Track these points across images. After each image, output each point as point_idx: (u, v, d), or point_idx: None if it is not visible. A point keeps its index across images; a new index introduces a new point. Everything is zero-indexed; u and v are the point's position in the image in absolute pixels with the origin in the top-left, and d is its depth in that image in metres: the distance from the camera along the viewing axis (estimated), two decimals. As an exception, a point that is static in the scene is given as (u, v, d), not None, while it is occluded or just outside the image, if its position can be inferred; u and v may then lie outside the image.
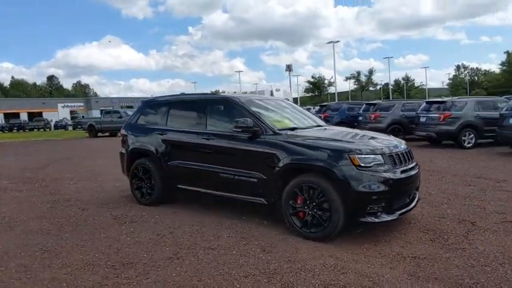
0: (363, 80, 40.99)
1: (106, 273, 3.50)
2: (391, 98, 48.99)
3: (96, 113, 61.99)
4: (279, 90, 74.42)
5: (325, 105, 20.40)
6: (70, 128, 53.51)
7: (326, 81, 45.93)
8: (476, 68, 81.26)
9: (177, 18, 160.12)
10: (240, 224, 4.85)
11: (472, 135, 12.20)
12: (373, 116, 15.48)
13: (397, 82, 78.05)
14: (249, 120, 4.69)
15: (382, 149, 4.21)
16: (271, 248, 4.00)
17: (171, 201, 5.93)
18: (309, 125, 5.35)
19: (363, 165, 3.99)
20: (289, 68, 79.48)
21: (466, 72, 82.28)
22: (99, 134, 27.14)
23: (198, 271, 3.49)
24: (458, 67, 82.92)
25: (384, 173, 4.03)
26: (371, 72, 41.69)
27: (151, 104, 6.32)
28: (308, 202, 4.23)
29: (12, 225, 5.12)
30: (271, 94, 73.67)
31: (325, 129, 5.30)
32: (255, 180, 4.66)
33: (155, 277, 3.39)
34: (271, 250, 3.94)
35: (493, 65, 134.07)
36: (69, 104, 73.10)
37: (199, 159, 5.27)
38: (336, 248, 3.99)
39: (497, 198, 5.80)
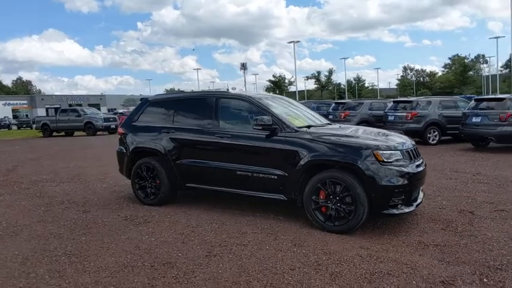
0: (323, 80, 42.36)
1: (149, 273, 3.45)
2: (346, 98, 51.04)
3: (41, 112, 58.46)
4: (235, 88, 74.63)
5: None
6: (14, 127, 50.09)
7: (287, 81, 47.00)
8: (421, 69, 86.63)
9: (125, 14, 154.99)
10: (258, 220, 4.94)
11: (436, 133, 13.10)
12: (343, 114, 16.09)
13: (348, 82, 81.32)
14: (268, 118, 4.79)
15: (399, 145, 4.49)
16: (301, 242, 4.14)
17: (173, 201, 5.86)
18: (319, 123, 5.54)
19: (385, 160, 4.25)
20: (244, 66, 79.76)
21: (412, 73, 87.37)
22: (54, 134, 25.75)
23: (242, 267, 3.54)
24: (405, 68, 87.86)
25: (403, 168, 4.31)
26: (331, 72, 43.25)
27: (154, 102, 6.20)
28: (331, 197, 4.41)
29: (15, 231, 4.83)
30: (227, 92, 73.86)
31: (340, 126, 5.52)
32: (275, 177, 4.77)
33: (203, 275, 3.40)
34: (302, 244, 4.08)
35: (434, 66, 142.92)
36: (11, 102, 68.25)
37: (213, 157, 5.28)
38: (361, 239, 4.20)
39: (481, 190, 6.35)
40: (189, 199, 6.05)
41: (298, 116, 5.57)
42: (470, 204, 5.48)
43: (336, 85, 52.41)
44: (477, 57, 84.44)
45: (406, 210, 4.35)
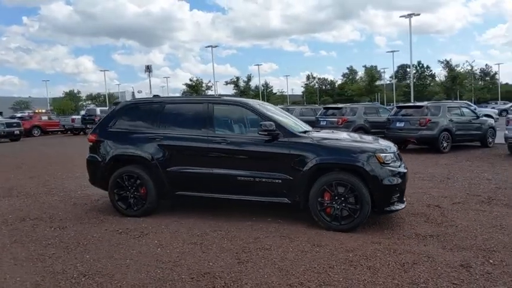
0: (242, 85, 43.11)
1: (195, 285, 3.34)
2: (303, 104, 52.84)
3: None
4: (141, 91, 71.57)
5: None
6: None
7: (204, 85, 46.53)
8: (324, 78, 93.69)
9: (7, 6, 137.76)
10: (261, 225, 5.01)
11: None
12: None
13: (257, 88, 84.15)
14: (271, 123, 4.92)
15: (390, 148, 5.00)
16: (318, 242, 4.35)
17: (154, 211, 5.58)
18: (310, 129, 5.82)
19: (385, 162, 4.71)
20: (148, 68, 76.78)
21: (314, 81, 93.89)
22: None
23: (283, 270, 3.63)
24: (308, 76, 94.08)
25: (397, 168, 4.82)
26: (249, 78, 44.13)
27: (132, 107, 5.84)
28: (336, 198, 4.71)
29: (-10, 255, 4.16)
30: (133, 96, 70.45)
31: (332, 132, 5.86)
32: (279, 181, 4.91)
33: (252, 281, 3.41)
34: (320, 244, 4.30)
35: (330, 75, 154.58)
36: None
37: (209, 164, 5.21)
38: (368, 236, 4.58)
39: (429, 186, 7.30)
40: (165, 209, 5.77)
41: (291, 121, 5.78)
42: (431, 199, 6.28)
43: (255, 91, 54.11)
44: (370, 67, 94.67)
45: (401, 206, 4.87)
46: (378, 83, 52.73)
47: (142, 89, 72.68)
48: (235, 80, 44.10)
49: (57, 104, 58.84)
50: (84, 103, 63.60)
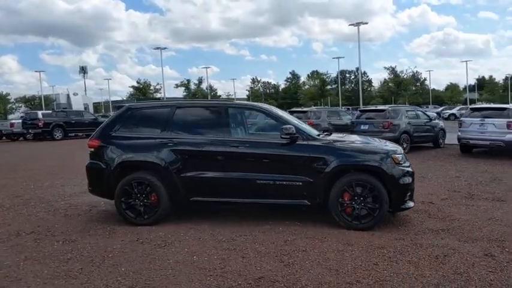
0: (193, 88, 42.11)
1: (258, 290, 3.32)
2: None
3: None
4: (77, 94, 67.64)
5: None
6: None
7: (152, 87, 44.80)
8: (268, 81, 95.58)
9: None
10: (281, 228, 5.04)
11: None
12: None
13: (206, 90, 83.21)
14: (292, 127, 5.02)
15: (400, 149, 5.33)
16: (347, 241, 4.52)
17: (164, 219, 5.39)
18: (320, 132, 5.96)
19: (399, 162, 5.01)
20: (83, 70, 72.74)
21: (259, 85, 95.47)
22: None
23: (333, 269, 3.74)
24: (253, 80, 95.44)
25: (408, 168, 5.15)
26: (200, 81, 43.20)
27: (138, 111, 5.60)
28: (356, 198, 4.92)
29: (9, 275, 3.78)
30: (68, 98, 66.32)
31: (344, 135, 6.06)
32: (300, 183, 5.02)
33: (310, 283, 3.46)
34: (351, 243, 4.46)
35: (271, 79, 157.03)
36: None
37: (228, 168, 5.17)
38: (387, 233, 4.84)
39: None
40: (171, 216, 5.59)
41: (304, 124, 5.89)
42: (422, 196, 6.74)
43: (205, 94, 53.45)
44: (312, 73, 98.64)
45: (412, 204, 5.20)
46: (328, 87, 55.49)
47: (77, 91, 68.67)
48: (186, 82, 43.27)
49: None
50: (13, 106, 58.40)
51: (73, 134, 24.90)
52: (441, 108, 40.56)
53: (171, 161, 5.21)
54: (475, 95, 55.54)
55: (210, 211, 5.63)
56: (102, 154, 5.42)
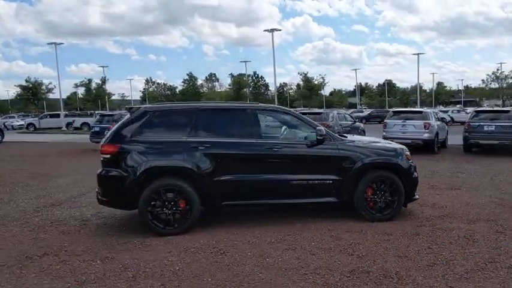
0: (94, 88, 37.75)
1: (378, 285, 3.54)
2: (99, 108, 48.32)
3: None
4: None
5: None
6: None
7: (44, 87, 38.83)
8: (164, 83, 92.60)
9: None
10: (313, 226, 5.26)
11: None
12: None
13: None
14: (322, 129, 5.30)
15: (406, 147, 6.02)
16: (384, 231, 4.97)
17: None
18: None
19: (409, 159, 5.69)
20: None
21: (154, 86, 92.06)
22: None
23: (399, 257, 4.14)
24: (147, 81, 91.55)
25: (413, 163, 5.86)
26: (104, 80, 38.97)
27: (161, 114, 5.26)
28: (378, 192, 5.44)
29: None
30: None
31: (354, 135, 6.48)
32: (330, 181, 5.34)
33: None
34: (388, 233, 4.93)
35: (161, 80, 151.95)
36: None
37: (261, 170, 5.21)
38: (404, 222, 5.44)
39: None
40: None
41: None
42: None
43: (108, 94, 48.86)
44: (210, 75, 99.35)
45: (418, 196, 5.92)
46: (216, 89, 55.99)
47: None
48: (87, 82, 38.94)
49: None
50: None
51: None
52: (351, 111, 44.79)
53: (203, 165, 5.02)
54: (357, 100, 63.00)
55: (220, 216, 5.53)
56: (122, 160, 4.92)
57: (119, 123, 5.27)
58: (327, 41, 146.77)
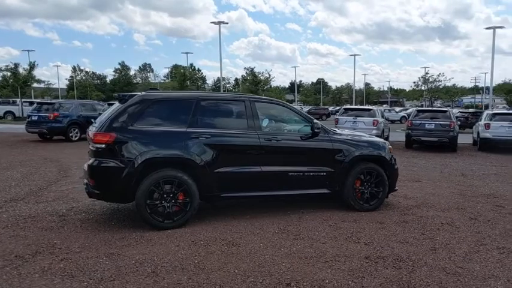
0: (23, 74, 32.80)
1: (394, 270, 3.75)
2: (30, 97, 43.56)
3: None
4: None
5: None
6: None
7: None
8: (93, 72, 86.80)
9: None
10: (308, 216, 5.41)
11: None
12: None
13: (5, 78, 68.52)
14: (318, 123, 5.45)
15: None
16: (378, 220, 5.27)
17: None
18: None
19: (391, 152, 6.08)
20: None
21: (82, 74, 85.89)
22: None
23: (404, 242, 4.43)
24: (75, 68, 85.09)
25: (394, 156, 6.26)
26: (32, 66, 34.08)
27: (159, 102, 4.97)
28: (365, 183, 5.74)
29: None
30: None
31: (344, 130, 6.67)
32: (324, 173, 5.52)
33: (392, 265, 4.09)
34: (381, 221, 5.23)
35: (87, 67, 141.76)
36: None
37: (261, 162, 5.20)
38: (389, 212, 5.82)
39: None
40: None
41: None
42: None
43: (37, 81, 43.48)
44: (144, 65, 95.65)
45: (397, 187, 6.34)
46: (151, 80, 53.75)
47: None
48: (13, 66, 34.21)
49: None
50: None
51: None
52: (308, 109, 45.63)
53: (204, 156, 4.88)
54: (295, 97, 64.89)
55: (214, 208, 5.48)
56: (118, 150, 4.60)
57: (113, 111, 4.89)
58: (262, 37, 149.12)
